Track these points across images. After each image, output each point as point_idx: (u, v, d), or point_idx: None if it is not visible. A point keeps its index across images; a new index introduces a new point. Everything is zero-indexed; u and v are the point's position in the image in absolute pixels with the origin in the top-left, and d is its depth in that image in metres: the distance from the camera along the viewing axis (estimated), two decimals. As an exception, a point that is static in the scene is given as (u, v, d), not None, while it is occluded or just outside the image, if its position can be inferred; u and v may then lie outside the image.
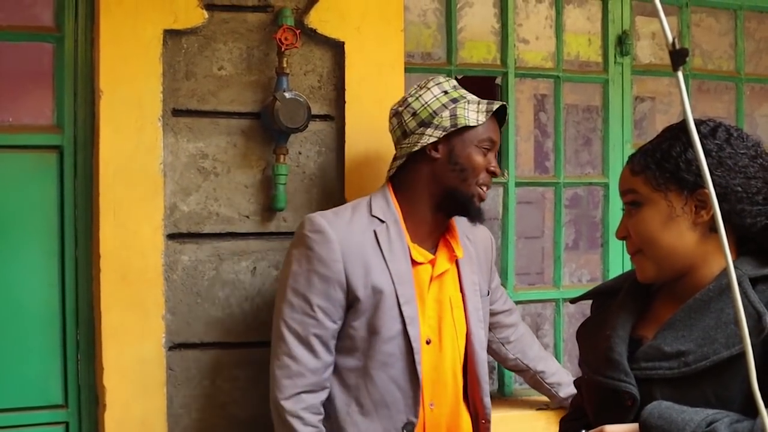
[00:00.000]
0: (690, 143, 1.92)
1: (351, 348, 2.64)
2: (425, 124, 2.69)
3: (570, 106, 3.73)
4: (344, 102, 3.05)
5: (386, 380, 2.62)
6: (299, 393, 2.57)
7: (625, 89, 3.67)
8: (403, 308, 2.61)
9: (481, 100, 2.72)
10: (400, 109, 2.76)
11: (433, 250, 2.77)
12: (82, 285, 2.91)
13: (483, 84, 3.45)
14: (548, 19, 3.61)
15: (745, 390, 1.70)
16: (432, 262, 2.74)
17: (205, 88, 2.96)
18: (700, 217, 1.94)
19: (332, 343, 2.63)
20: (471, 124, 2.65)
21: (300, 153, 3.04)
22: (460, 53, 3.42)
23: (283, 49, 2.90)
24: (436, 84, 2.76)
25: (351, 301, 2.61)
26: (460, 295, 2.79)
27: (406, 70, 3.18)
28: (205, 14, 2.92)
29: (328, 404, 2.64)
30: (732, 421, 1.76)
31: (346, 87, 3.05)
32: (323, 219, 2.63)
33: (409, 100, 2.75)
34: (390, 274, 2.62)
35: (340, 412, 2.63)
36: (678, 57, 1.36)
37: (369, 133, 3.04)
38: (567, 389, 3.18)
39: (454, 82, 2.79)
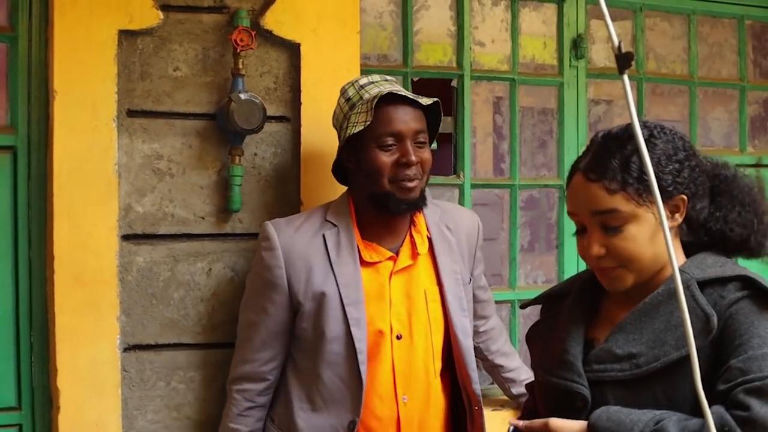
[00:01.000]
0: (662, 151, 1.95)
1: (302, 348, 2.75)
2: (339, 138, 2.76)
3: (525, 109, 3.76)
4: (300, 103, 3.06)
5: (334, 379, 2.68)
6: (239, 378, 2.79)
7: (579, 92, 3.71)
8: (347, 309, 2.65)
9: (375, 96, 2.64)
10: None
11: (399, 246, 2.78)
12: (36, 286, 2.89)
13: (439, 86, 3.47)
14: (504, 22, 3.64)
15: (695, 390, 1.74)
16: (393, 259, 2.76)
17: (161, 88, 2.95)
18: (675, 221, 1.98)
19: (276, 342, 2.75)
20: (356, 131, 2.62)
21: (255, 154, 3.04)
22: (416, 55, 3.44)
23: (238, 51, 2.89)
24: (342, 94, 2.78)
25: (296, 305, 2.71)
26: (437, 287, 2.81)
27: (362, 72, 3.19)
28: (161, 15, 2.91)
29: (284, 398, 2.78)
30: (680, 419, 1.79)
31: (301, 88, 3.06)
32: (272, 227, 2.74)
33: (333, 114, 2.83)
34: (335, 276, 2.67)
35: (294, 407, 2.73)
36: (623, 60, 1.39)
37: (324, 134, 3.04)
38: (519, 388, 3.21)
39: (363, 81, 2.76)
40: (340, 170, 2.87)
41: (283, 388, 2.80)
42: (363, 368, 2.65)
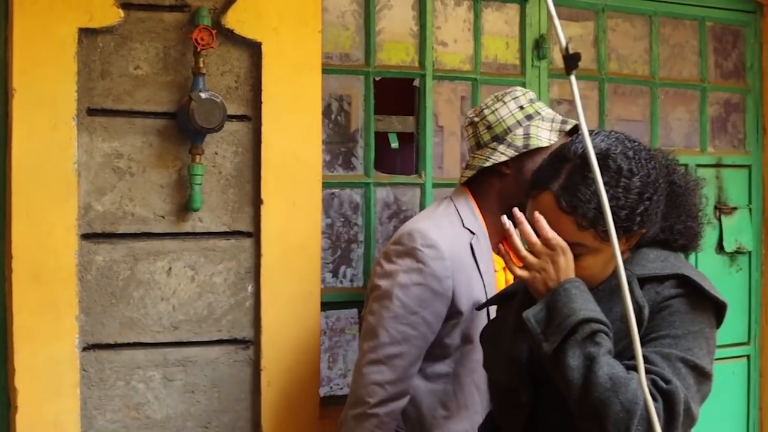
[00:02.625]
0: (638, 189, 1.95)
1: (443, 355, 2.68)
2: (498, 139, 2.68)
3: (488, 109, 3.76)
4: (261, 102, 3.05)
5: (471, 385, 2.68)
6: (387, 400, 2.58)
7: (542, 92, 3.72)
8: (491, 318, 2.62)
9: (555, 117, 2.70)
10: (476, 119, 2.75)
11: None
12: (-6, 285, 2.88)
13: (401, 86, 3.48)
14: (466, 22, 3.65)
15: None
16: (504, 269, 2.77)
17: (121, 87, 2.94)
18: (630, 244, 2.02)
19: (423, 353, 2.64)
20: (543, 145, 2.62)
21: (216, 153, 3.03)
22: (379, 55, 3.44)
23: (199, 49, 2.89)
24: (513, 98, 2.74)
25: (452, 313, 2.63)
26: None
27: (324, 71, 3.20)
28: (121, 13, 2.90)
29: (414, 408, 2.69)
30: (611, 365, 1.81)
31: (263, 87, 3.05)
32: (434, 234, 2.63)
33: (485, 112, 2.74)
34: (485, 286, 2.66)
35: (426, 416, 2.68)
36: (571, 61, 1.40)
37: (285, 133, 3.05)
38: None
39: (532, 95, 2.77)
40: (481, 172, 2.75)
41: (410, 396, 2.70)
42: None
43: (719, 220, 4.20)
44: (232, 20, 3.01)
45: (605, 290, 1.98)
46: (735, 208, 4.25)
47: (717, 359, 4.12)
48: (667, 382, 1.79)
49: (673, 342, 1.87)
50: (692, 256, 4.08)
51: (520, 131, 2.67)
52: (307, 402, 3.10)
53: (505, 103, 2.73)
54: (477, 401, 2.70)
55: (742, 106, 4.34)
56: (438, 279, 2.60)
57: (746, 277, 4.32)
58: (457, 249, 2.64)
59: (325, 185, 3.27)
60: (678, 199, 2.10)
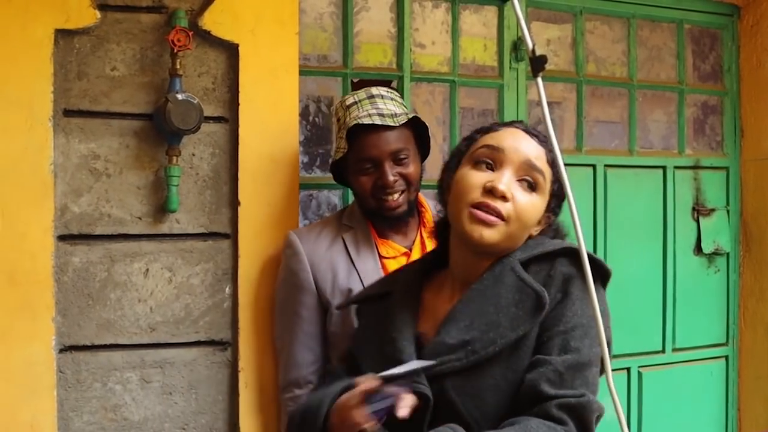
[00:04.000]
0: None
1: (334, 346, 2.80)
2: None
3: (466, 110, 3.78)
4: (238, 104, 3.05)
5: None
6: (288, 386, 2.89)
7: (519, 94, 3.74)
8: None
9: (351, 122, 2.72)
10: None
11: (411, 244, 2.86)
12: (-30, 287, 2.86)
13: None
14: (444, 24, 3.66)
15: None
16: (407, 254, 2.82)
17: (98, 88, 2.94)
18: (536, 228, 2.08)
19: (314, 344, 2.85)
20: (337, 157, 2.77)
21: (193, 155, 3.03)
22: (356, 57, 3.45)
23: (175, 51, 2.89)
24: (334, 112, 2.86)
25: (325, 305, 2.80)
26: None
27: (302, 72, 3.20)
28: (98, 14, 2.90)
29: None
30: None
31: (240, 89, 3.05)
32: (295, 234, 2.88)
33: None
34: (358, 273, 2.76)
35: None
36: (537, 63, 1.41)
37: (263, 135, 3.05)
38: None
39: (350, 100, 2.80)
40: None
41: None
42: None
43: (697, 221, 4.22)
44: (209, 22, 3.01)
45: (489, 278, 1.99)
46: (713, 210, 4.27)
47: (696, 360, 4.18)
48: (578, 397, 1.81)
49: (583, 332, 1.88)
50: (670, 257, 4.11)
51: (335, 145, 2.85)
52: (285, 403, 3.09)
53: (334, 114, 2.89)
54: None
55: (719, 108, 4.37)
56: (294, 274, 2.84)
57: (724, 279, 4.34)
58: (322, 244, 2.84)
59: (303, 186, 3.28)
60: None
